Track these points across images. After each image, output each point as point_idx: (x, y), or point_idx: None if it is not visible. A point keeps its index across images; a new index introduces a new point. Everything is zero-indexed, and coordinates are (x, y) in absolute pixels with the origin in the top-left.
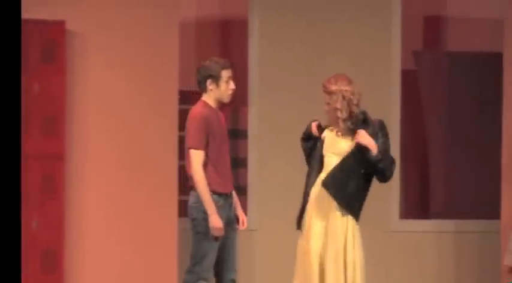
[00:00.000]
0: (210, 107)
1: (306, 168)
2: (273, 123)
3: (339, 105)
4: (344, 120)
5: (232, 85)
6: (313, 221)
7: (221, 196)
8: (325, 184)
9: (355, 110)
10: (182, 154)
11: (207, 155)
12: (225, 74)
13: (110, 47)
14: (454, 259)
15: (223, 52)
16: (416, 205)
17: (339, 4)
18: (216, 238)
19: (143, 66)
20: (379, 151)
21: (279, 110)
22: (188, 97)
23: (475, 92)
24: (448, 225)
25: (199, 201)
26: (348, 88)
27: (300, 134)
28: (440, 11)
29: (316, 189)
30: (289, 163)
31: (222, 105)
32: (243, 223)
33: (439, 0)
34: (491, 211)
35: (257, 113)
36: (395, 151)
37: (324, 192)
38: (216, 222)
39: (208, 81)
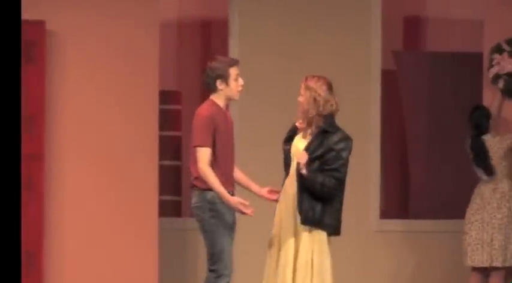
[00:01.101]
0: (217, 106)
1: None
2: (253, 123)
3: (307, 105)
4: (308, 121)
5: (241, 81)
6: (276, 226)
7: None
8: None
9: (320, 116)
10: (163, 154)
11: (213, 154)
12: (233, 71)
13: (90, 47)
14: (434, 259)
15: (204, 52)
16: (397, 205)
17: (318, 4)
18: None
19: (124, 66)
20: (310, 172)
21: (260, 109)
22: (168, 97)
23: (454, 92)
24: (428, 225)
25: (201, 200)
26: (323, 94)
27: (280, 134)
28: (420, 12)
29: (282, 193)
30: (269, 164)
31: (229, 103)
32: (271, 192)
33: (419, 1)
34: None
35: (238, 113)
36: (375, 152)
37: (284, 197)
38: (235, 202)
39: (218, 82)
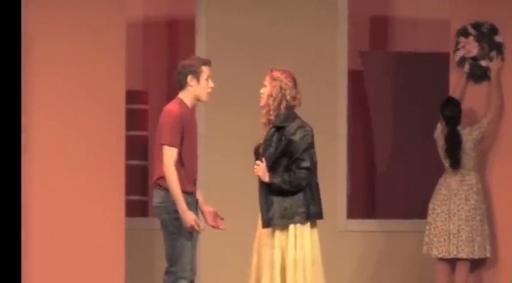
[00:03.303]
0: (185, 105)
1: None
2: (220, 123)
3: (274, 93)
4: (269, 111)
5: (211, 83)
6: (259, 227)
7: (189, 195)
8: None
9: (283, 107)
10: (129, 154)
11: (179, 153)
12: (205, 70)
13: (57, 47)
14: (401, 258)
15: (171, 52)
16: (364, 205)
17: (285, 3)
18: (193, 233)
19: (90, 66)
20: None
21: (226, 109)
22: (135, 97)
23: (421, 92)
24: (395, 224)
25: (166, 201)
26: (289, 84)
27: (248, 135)
28: (387, 11)
29: None
30: (237, 164)
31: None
32: (212, 216)
33: (386, 1)
34: None
35: (204, 112)
36: (342, 152)
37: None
38: (190, 218)
39: (189, 77)
